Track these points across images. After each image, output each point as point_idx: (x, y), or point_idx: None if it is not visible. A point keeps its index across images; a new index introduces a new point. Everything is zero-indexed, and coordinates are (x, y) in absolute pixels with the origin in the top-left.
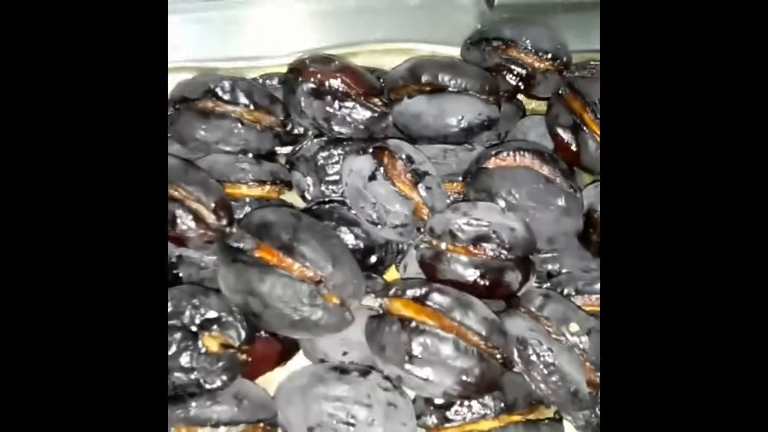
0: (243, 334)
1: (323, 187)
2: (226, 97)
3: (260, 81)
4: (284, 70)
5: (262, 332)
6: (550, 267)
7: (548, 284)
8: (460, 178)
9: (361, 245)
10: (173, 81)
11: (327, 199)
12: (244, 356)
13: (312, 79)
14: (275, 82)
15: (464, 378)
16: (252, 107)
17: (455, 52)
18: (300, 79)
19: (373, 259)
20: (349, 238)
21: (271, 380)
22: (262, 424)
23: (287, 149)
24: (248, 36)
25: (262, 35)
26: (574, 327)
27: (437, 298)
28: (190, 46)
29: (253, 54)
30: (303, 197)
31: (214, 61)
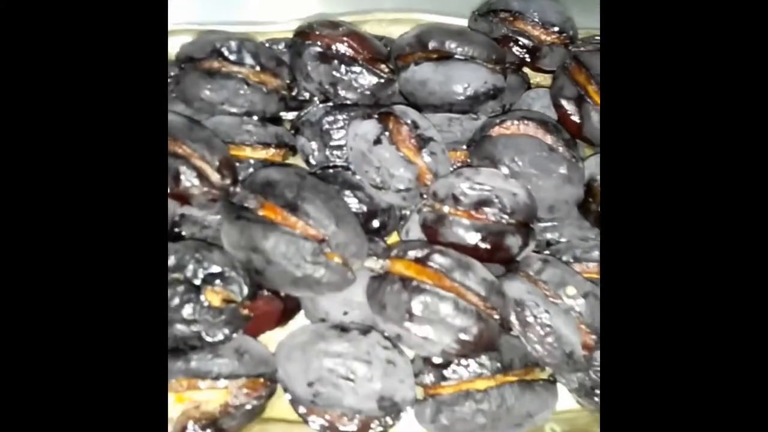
0: (245, 290)
1: (328, 152)
2: (233, 57)
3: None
4: (290, 36)
5: (265, 291)
6: (549, 236)
7: (547, 252)
8: (465, 147)
9: (365, 209)
10: (179, 44)
11: (331, 164)
12: (246, 311)
13: (319, 43)
14: (282, 46)
15: (462, 336)
16: (258, 68)
17: (463, 23)
18: (307, 42)
19: (376, 223)
20: (352, 202)
21: (273, 341)
22: (262, 379)
23: (293, 115)
24: (255, 1)
25: (269, 1)
26: (570, 290)
27: (438, 259)
28: (197, 10)
29: (260, 19)
30: (307, 162)
31: (221, 24)
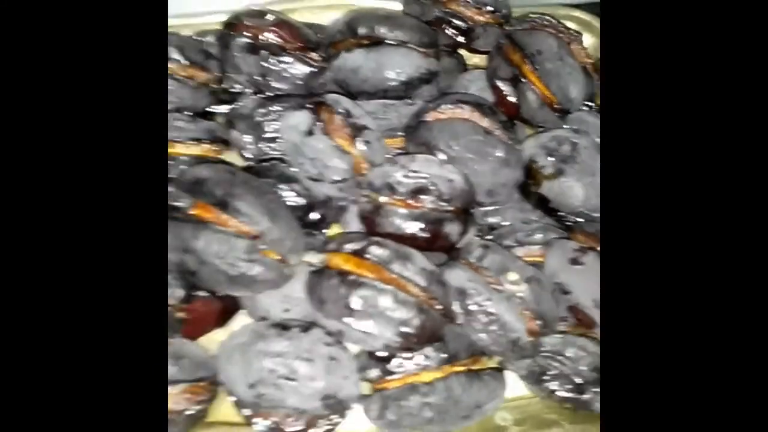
0: (178, 293)
1: (262, 145)
2: None
3: (195, 38)
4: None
5: (201, 293)
6: (491, 220)
7: (490, 236)
8: (401, 133)
9: (302, 202)
10: None
11: (267, 157)
12: (180, 314)
13: (247, 34)
14: (211, 38)
15: (404, 329)
16: (185, 62)
17: (398, 7)
18: (234, 33)
19: (315, 215)
20: (289, 195)
21: (215, 342)
22: (202, 383)
23: (227, 108)
24: None
25: None
26: (512, 276)
27: (376, 251)
28: None
29: (188, 11)
30: (242, 155)
31: None
